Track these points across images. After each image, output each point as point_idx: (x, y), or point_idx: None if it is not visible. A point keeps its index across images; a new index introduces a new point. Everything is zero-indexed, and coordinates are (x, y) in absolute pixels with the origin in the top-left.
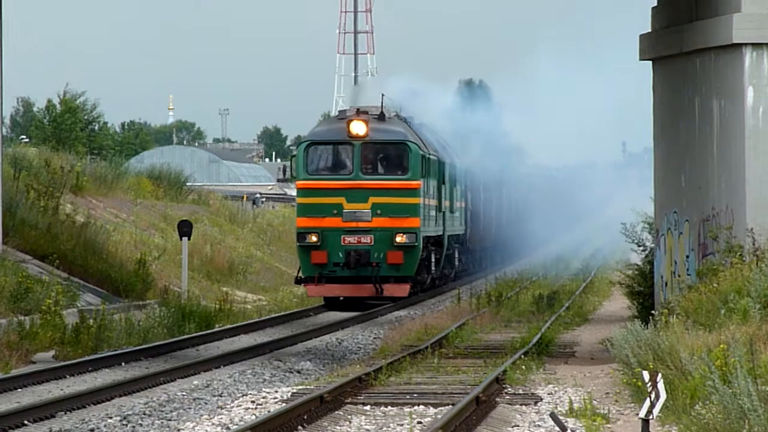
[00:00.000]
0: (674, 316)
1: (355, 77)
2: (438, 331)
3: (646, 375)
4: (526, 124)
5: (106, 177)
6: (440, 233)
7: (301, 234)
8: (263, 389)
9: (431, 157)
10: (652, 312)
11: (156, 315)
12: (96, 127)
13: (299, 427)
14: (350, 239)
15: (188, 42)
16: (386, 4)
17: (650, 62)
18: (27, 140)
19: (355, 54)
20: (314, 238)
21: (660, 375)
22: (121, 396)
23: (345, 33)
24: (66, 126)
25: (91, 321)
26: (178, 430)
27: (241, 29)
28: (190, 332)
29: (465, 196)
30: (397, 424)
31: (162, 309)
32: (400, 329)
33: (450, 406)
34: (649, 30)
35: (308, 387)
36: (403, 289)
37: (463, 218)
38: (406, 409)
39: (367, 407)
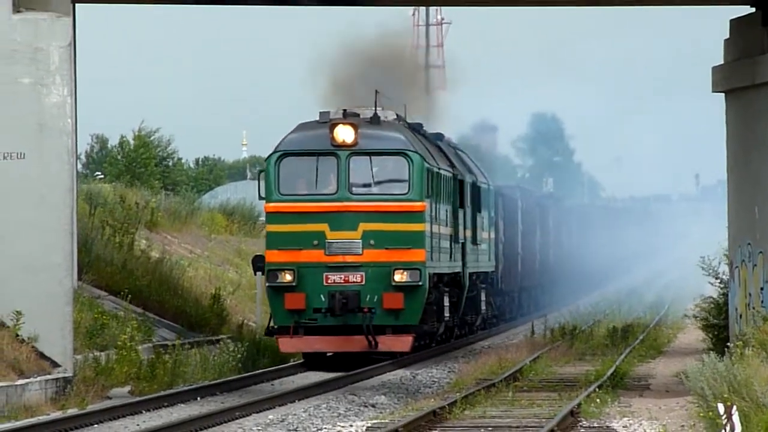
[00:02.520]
0: (749, 349)
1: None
2: (512, 364)
3: (721, 408)
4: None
5: (180, 212)
6: (457, 270)
7: (272, 272)
8: (338, 423)
9: (442, 172)
10: (727, 344)
11: (230, 350)
12: (170, 163)
13: None
14: (335, 278)
15: (261, 79)
16: (458, 39)
17: (723, 94)
18: (102, 176)
19: (427, 88)
20: (288, 277)
21: (735, 407)
22: (196, 431)
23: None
24: (140, 161)
25: (167, 356)
26: None
27: None
28: (264, 367)
29: (495, 225)
30: None
31: (236, 344)
32: (475, 363)
33: None
34: (722, 62)
35: (383, 421)
36: (403, 342)
37: (492, 252)
38: None
39: None
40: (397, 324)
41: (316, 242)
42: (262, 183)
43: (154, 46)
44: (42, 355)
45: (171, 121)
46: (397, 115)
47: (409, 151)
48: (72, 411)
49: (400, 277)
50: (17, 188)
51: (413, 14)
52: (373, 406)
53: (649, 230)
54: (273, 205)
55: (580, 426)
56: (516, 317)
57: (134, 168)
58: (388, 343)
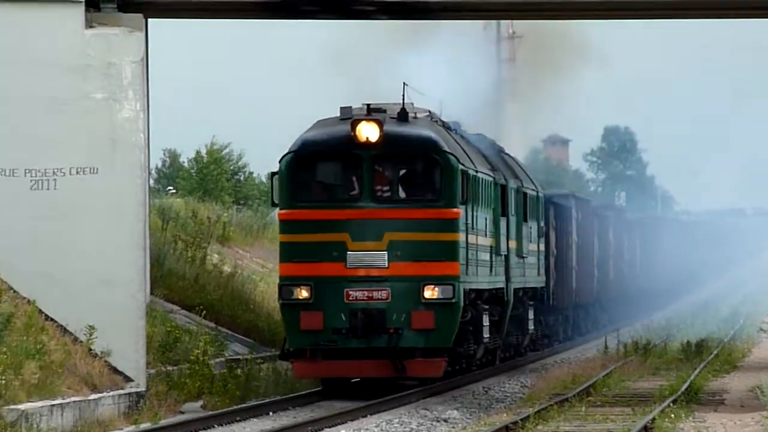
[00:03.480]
0: None
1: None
2: (585, 379)
3: None
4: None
5: (252, 227)
6: (500, 285)
7: (286, 287)
8: None
9: (481, 176)
10: None
11: None
12: (242, 177)
13: None
14: (357, 294)
15: (331, 94)
16: (529, 52)
17: None
18: (174, 191)
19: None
20: (305, 293)
21: None
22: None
23: None
24: (212, 176)
25: (239, 371)
26: None
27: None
28: None
29: (546, 236)
30: None
31: None
32: (547, 377)
33: None
34: None
35: None
36: (435, 367)
37: (541, 266)
38: None
39: None
40: (427, 346)
41: (335, 254)
42: (275, 187)
43: (225, 59)
44: (115, 370)
45: (241, 135)
46: (429, 112)
47: (442, 151)
48: (145, 426)
49: (430, 293)
50: (90, 203)
51: (484, 28)
52: (445, 420)
53: (722, 244)
54: (287, 213)
55: None
56: (572, 336)
57: (206, 184)
58: (418, 368)
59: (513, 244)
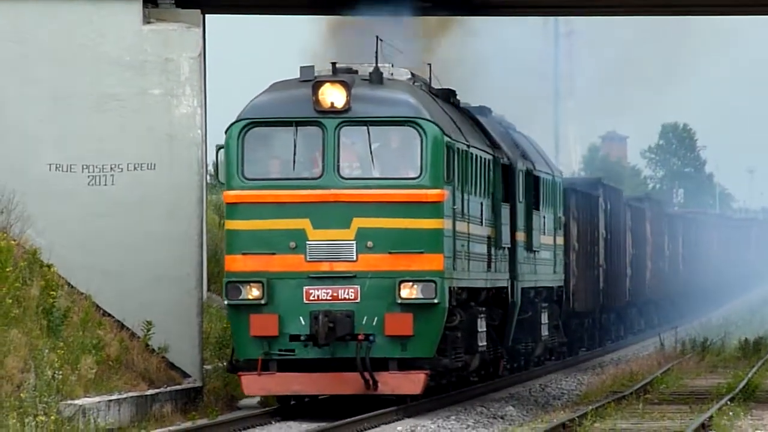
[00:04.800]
0: None
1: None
2: (643, 376)
3: None
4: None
5: None
6: (502, 283)
7: (233, 284)
8: None
9: (475, 152)
10: None
11: None
12: None
13: None
14: (319, 293)
15: None
16: (586, 49)
17: None
18: None
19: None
20: (255, 292)
21: None
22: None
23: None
24: None
25: None
26: None
27: None
28: None
29: (566, 228)
30: None
31: None
32: (604, 375)
33: None
34: None
35: None
36: (413, 382)
37: (558, 262)
38: None
39: None
40: (404, 357)
41: (293, 244)
42: (222, 163)
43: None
44: (172, 366)
45: None
46: (412, 74)
47: (421, 119)
48: (201, 422)
49: (408, 292)
50: (147, 199)
51: (543, 24)
52: (502, 417)
53: None
54: (235, 194)
55: None
56: (603, 343)
57: None
58: (392, 382)
59: (521, 235)
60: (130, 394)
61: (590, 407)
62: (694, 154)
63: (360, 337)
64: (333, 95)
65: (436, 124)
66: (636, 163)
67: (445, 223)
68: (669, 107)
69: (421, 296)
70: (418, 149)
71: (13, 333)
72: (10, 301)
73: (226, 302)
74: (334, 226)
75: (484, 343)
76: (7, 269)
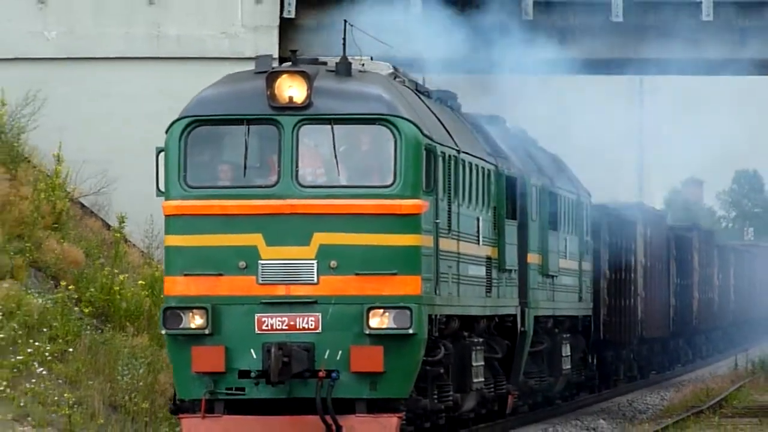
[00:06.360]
0: None
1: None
2: (718, 393)
3: None
4: None
5: None
6: (507, 311)
7: (172, 311)
8: None
9: (469, 159)
10: None
11: None
12: None
13: None
14: (273, 322)
15: None
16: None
17: None
18: None
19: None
20: (198, 320)
21: None
22: None
23: None
24: None
25: None
26: None
27: None
28: None
29: (596, 254)
30: None
31: None
32: (684, 391)
33: None
34: None
35: None
36: (384, 426)
37: (585, 289)
38: None
39: None
40: (374, 397)
41: (243, 264)
42: (164, 168)
43: None
44: None
45: None
46: (394, 68)
47: (395, 116)
48: None
49: (378, 320)
50: None
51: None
52: (594, 429)
53: None
54: (175, 205)
55: None
56: (642, 375)
57: None
58: (359, 427)
59: (534, 257)
60: None
61: (671, 420)
62: (763, 196)
63: (321, 374)
64: (291, 88)
65: (413, 123)
66: (711, 205)
67: (424, 240)
68: (741, 154)
69: (394, 326)
70: (391, 152)
71: None
72: None
73: (163, 332)
74: (291, 243)
75: (481, 379)
76: None
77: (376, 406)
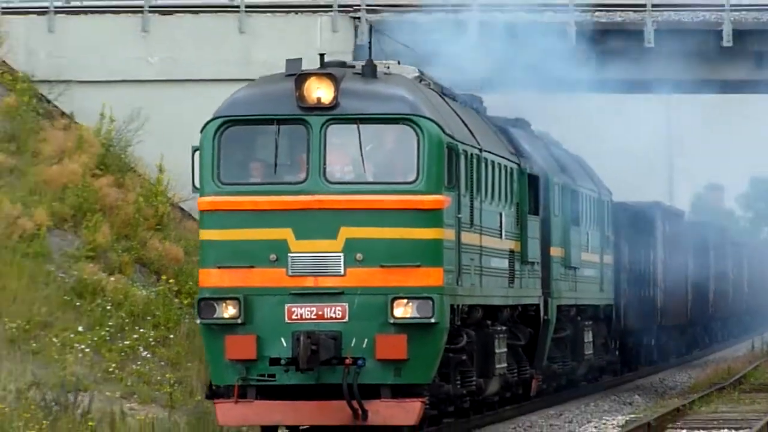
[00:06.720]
0: None
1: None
2: (737, 371)
3: None
4: None
5: None
6: (531, 301)
7: (207, 302)
8: (603, 417)
9: (491, 158)
10: None
11: None
12: None
13: None
14: (302, 312)
15: None
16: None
17: None
18: None
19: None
20: (231, 310)
21: None
22: (519, 415)
23: None
24: None
25: None
26: None
27: None
28: None
29: (617, 248)
30: None
31: None
32: (707, 371)
33: (748, 429)
34: None
35: (638, 416)
36: (407, 411)
37: (607, 280)
38: None
39: (684, 431)
40: (397, 383)
41: (273, 257)
42: (198, 166)
43: None
44: None
45: None
46: (420, 72)
47: (417, 116)
48: None
49: (402, 310)
50: None
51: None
52: (630, 404)
53: None
54: (209, 201)
55: None
56: (665, 358)
57: None
58: (384, 412)
59: (557, 251)
60: None
61: (697, 395)
62: None
63: (347, 361)
64: (319, 90)
65: (436, 123)
66: (731, 206)
67: (446, 233)
68: (757, 161)
69: (417, 315)
70: (414, 150)
71: None
72: None
73: (198, 321)
74: (319, 237)
75: (504, 365)
76: None
77: (400, 392)
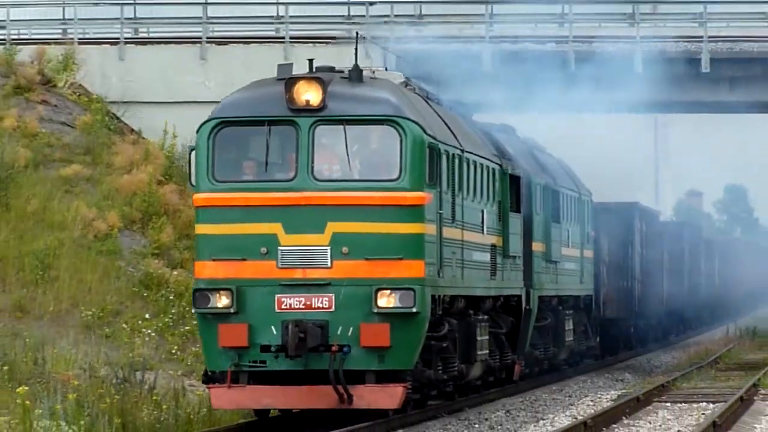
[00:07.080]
0: None
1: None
2: (714, 353)
3: None
4: None
5: None
6: (512, 292)
7: (201, 292)
8: (598, 392)
9: (473, 158)
10: None
11: None
12: None
13: (623, 417)
14: (291, 301)
15: None
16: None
17: None
18: None
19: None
20: (224, 300)
21: None
22: (504, 397)
23: None
24: None
25: None
26: (543, 419)
27: None
28: None
29: (597, 244)
30: (688, 415)
31: None
32: (688, 351)
33: (723, 402)
34: None
35: (628, 391)
36: (390, 395)
37: (586, 273)
38: (694, 405)
39: (668, 404)
40: (381, 369)
41: (264, 250)
42: (193, 165)
43: None
44: None
45: None
46: (406, 78)
47: (400, 117)
48: None
49: (385, 300)
50: None
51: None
52: (621, 380)
53: None
54: (204, 197)
55: (760, 393)
56: (644, 343)
57: None
58: (368, 396)
59: (538, 246)
60: None
61: (680, 373)
62: (747, 205)
63: (334, 348)
64: (307, 93)
65: (417, 124)
66: (708, 211)
67: (427, 228)
68: (730, 170)
69: (400, 305)
70: (397, 150)
71: None
72: None
73: (194, 311)
74: (307, 231)
75: (485, 351)
76: None
77: (384, 377)
